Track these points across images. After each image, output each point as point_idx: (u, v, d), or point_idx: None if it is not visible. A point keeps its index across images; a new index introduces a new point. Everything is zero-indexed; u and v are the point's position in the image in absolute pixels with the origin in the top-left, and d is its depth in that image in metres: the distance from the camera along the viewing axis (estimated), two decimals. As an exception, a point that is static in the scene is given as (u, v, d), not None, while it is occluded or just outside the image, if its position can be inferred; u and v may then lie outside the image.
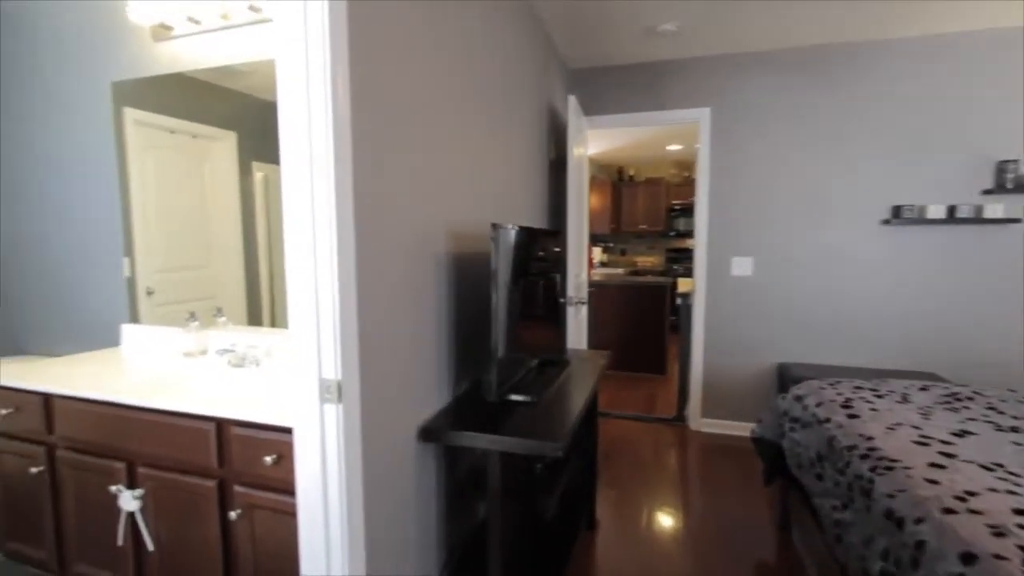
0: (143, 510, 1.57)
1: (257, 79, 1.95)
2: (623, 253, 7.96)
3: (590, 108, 3.57)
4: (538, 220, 2.88)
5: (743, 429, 3.43)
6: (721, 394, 3.51)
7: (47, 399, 1.69)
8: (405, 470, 1.44)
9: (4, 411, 1.76)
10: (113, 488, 1.58)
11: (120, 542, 1.60)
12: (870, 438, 1.60)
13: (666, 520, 2.45)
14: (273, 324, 2.05)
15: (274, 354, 1.95)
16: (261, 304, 2.06)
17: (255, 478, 1.41)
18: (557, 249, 2.27)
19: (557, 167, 3.23)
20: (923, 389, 2.10)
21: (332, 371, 1.14)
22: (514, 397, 1.67)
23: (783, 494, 2.34)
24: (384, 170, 1.31)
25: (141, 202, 2.20)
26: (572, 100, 2.94)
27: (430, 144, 1.55)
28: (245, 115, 2.00)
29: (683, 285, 6.60)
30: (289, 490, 1.31)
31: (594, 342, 4.50)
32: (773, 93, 3.24)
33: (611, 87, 3.55)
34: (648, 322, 4.97)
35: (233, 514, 1.43)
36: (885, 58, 3.04)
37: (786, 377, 3.10)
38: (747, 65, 3.28)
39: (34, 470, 1.73)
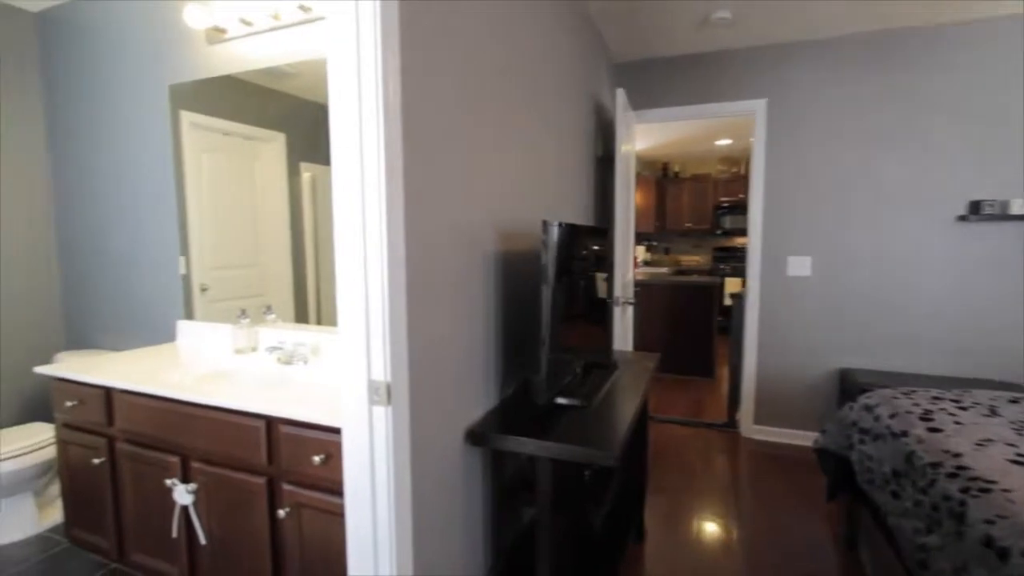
0: (196, 504, 1.60)
1: (304, 80, 1.96)
2: (667, 252, 7.74)
3: (638, 102, 3.45)
4: (585, 218, 2.80)
5: (799, 438, 3.25)
6: (775, 400, 3.33)
7: (107, 392, 1.75)
8: (452, 473, 1.41)
9: (69, 403, 1.83)
10: (168, 481, 1.62)
11: (174, 534, 1.64)
12: (958, 455, 1.45)
13: (719, 532, 2.33)
14: (320, 322, 2.06)
15: (321, 352, 1.96)
16: (308, 302, 2.08)
17: (303, 477, 1.41)
18: (605, 247, 2.19)
19: (604, 164, 3.14)
20: (1013, 401, 1.90)
21: (381, 373, 1.11)
22: (562, 401, 1.60)
23: (849, 510, 2.18)
24: (434, 168, 1.27)
25: (196, 202, 2.26)
26: (620, 94, 2.84)
27: (479, 143, 1.50)
28: (293, 117, 2.02)
29: (731, 285, 6.39)
30: (337, 490, 1.30)
31: (638, 343, 4.37)
32: (835, 82, 3.04)
33: (660, 80, 3.42)
34: (695, 323, 4.80)
35: (282, 512, 1.43)
36: (961, 42, 2.80)
37: (849, 384, 2.91)
38: (807, 53, 3.09)
39: (96, 461, 1.80)
